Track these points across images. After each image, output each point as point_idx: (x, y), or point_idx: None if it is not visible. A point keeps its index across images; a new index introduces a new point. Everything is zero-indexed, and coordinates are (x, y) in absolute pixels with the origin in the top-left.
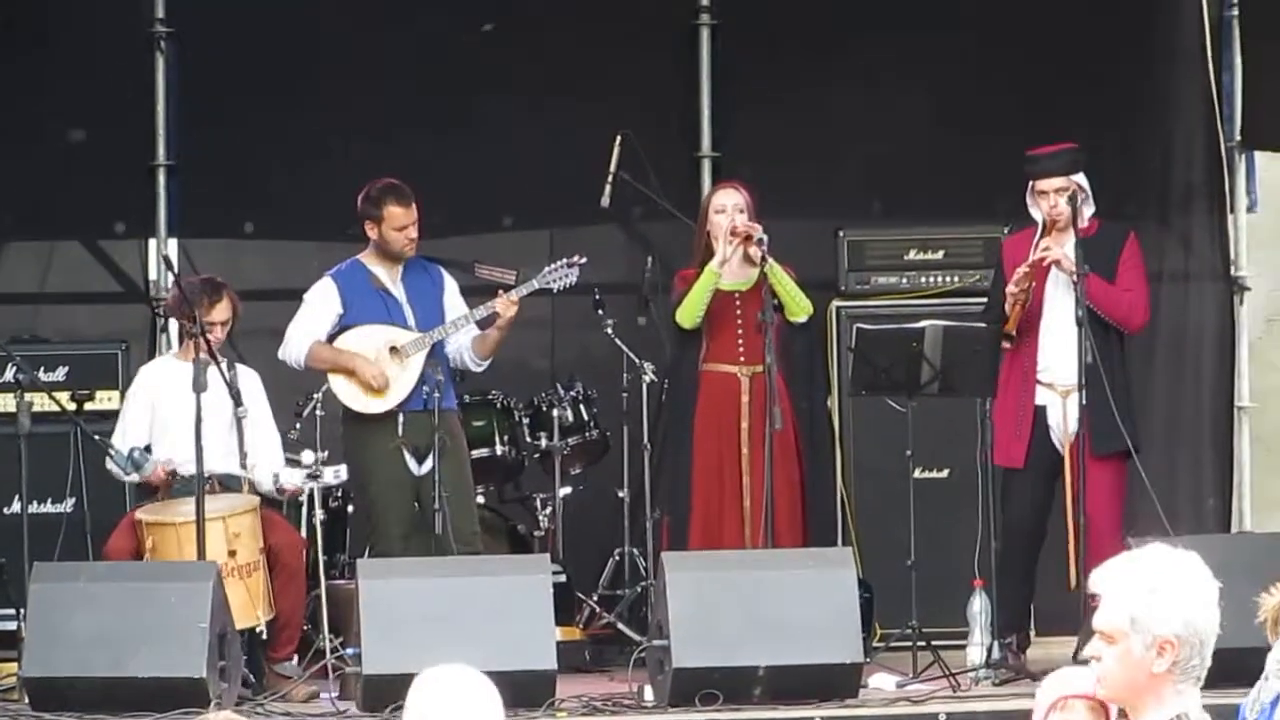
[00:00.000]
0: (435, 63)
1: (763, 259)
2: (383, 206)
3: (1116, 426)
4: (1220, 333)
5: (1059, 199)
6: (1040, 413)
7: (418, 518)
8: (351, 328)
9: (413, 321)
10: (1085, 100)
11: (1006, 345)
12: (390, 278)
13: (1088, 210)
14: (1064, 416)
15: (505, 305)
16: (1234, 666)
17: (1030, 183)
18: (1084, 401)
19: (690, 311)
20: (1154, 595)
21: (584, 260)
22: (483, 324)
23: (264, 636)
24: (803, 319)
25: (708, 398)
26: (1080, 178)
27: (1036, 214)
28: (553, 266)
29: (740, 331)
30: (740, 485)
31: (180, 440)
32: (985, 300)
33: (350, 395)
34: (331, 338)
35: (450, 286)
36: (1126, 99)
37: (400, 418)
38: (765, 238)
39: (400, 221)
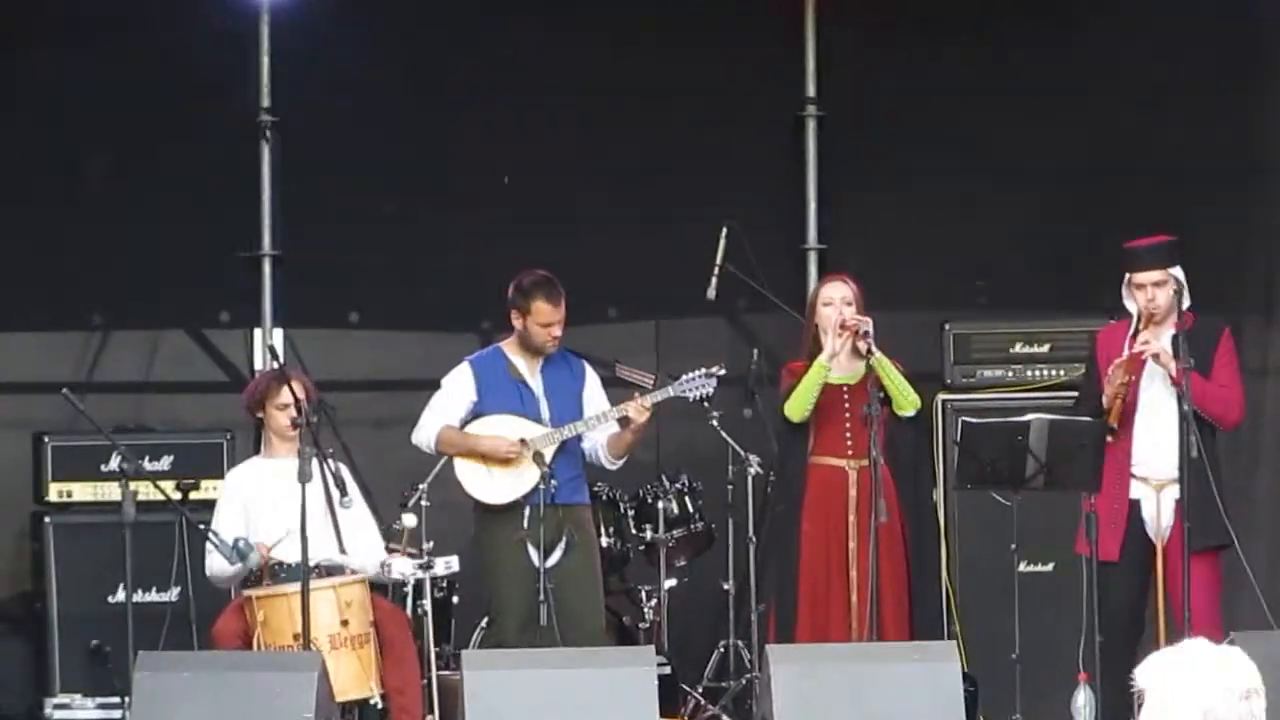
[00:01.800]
0: (541, 153)
1: (869, 351)
2: (532, 300)
3: (1215, 520)
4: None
5: (1157, 292)
6: (1135, 506)
7: (537, 612)
8: (483, 416)
9: (546, 415)
10: (1192, 192)
11: (1109, 439)
12: (529, 369)
13: (1184, 304)
14: (1158, 511)
15: (638, 411)
16: None
17: (1127, 275)
18: (1183, 495)
19: (800, 405)
20: (1175, 688)
21: (723, 371)
22: (620, 422)
23: (378, 708)
24: (910, 412)
25: (815, 490)
26: (1177, 271)
27: (1132, 306)
28: (691, 375)
29: (848, 424)
30: (847, 579)
31: (275, 536)
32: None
33: (475, 483)
34: (463, 424)
35: (591, 381)
36: (1233, 189)
37: (525, 510)
38: (870, 330)
39: (547, 318)
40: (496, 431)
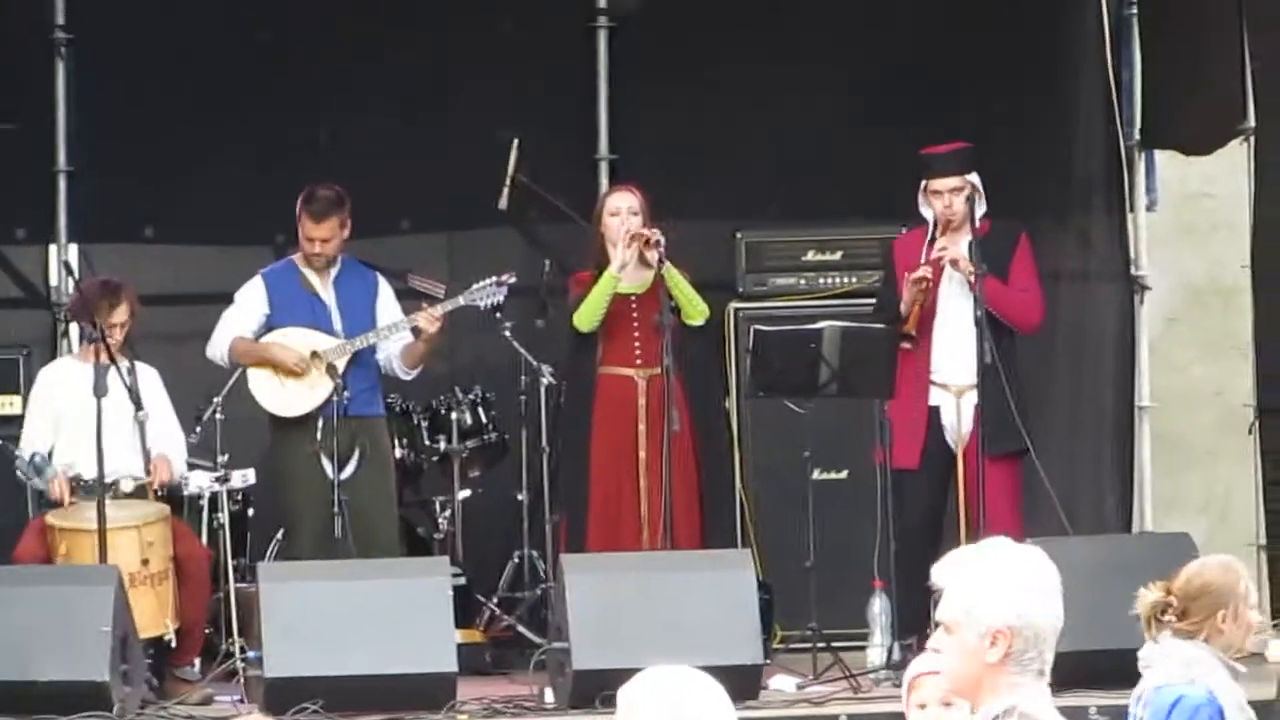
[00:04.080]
0: (335, 63)
1: (660, 261)
2: (300, 213)
3: (1012, 426)
4: (1120, 332)
5: (954, 199)
6: (934, 413)
7: (332, 524)
8: (276, 329)
9: (339, 327)
10: (985, 98)
11: (906, 346)
12: (321, 281)
13: (980, 210)
14: (958, 417)
15: (428, 320)
16: (1130, 666)
17: (924, 182)
18: (979, 401)
19: (589, 315)
20: (987, 586)
21: (514, 279)
22: (413, 333)
23: (172, 644)
24: (699, 322)
25: (604, 401)
26: (974, 177)
27: (928, 213)
28: (481, 284)
29: (637, 334)
30: (638, 488)
31: (82, 443)
32: (876, 300)
33: (268, 396)
34: (257, 337)
35: (385, 293)
36: (1027, 97)
37: (319, 423)
38: (663, 240)
39: (309, 232)
40: (288, 344)
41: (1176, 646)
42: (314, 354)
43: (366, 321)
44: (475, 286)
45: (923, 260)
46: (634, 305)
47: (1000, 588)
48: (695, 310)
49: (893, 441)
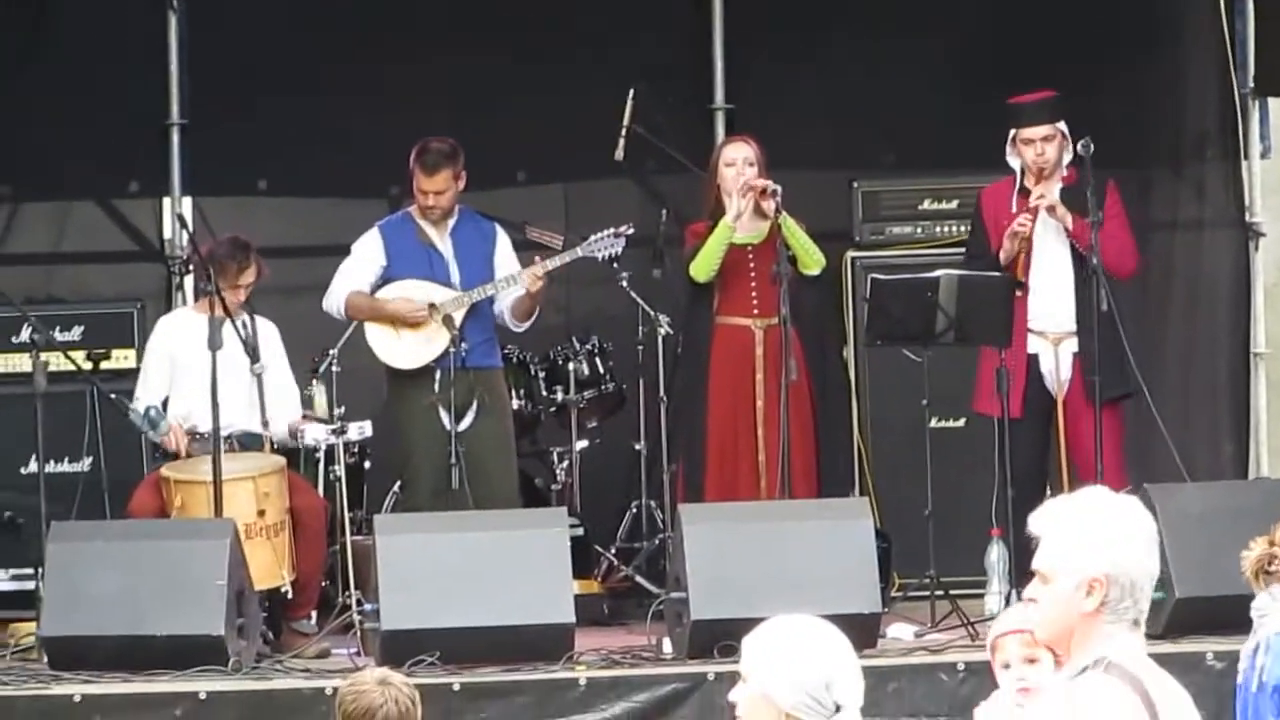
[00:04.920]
0: (449, 13)
1: (776, 211)
2: (413, 167)
3: (1121, 371)
4: (1235, 279)
5: (1046, 146)
6: (1033, 361)
7: (449, 475)
8: (392, 281)
9: (456, 279)
10: (1098, 49)
11: (1019, 293)
12: (438, 233)
13: (1067, 157)
14: (1056, 364)
15: (531, 280)
16: (1246, 613)
17: (1012, 132)
18: (1085, 347)
19: (704, 265)
20: (1082, 535)
21: (631, 230)
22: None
23: (288, 596)
24: (816, 272)
25: (722, 351)
26: (1062, 125)
27: (1015, 163)
28: (599, 235)
29: (754, 285)
30: (755, 438)
31: (198, 396)
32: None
33: (385, 349)
34: (374, 290)
35: (502, 244)
36: (1139, 47)
37: (436, 374)
38: (778, 190)
39: (423, 185)
40: (405, 296)
41: None
42: (431, 306)
43: (484, 273)
44: (593, 238)
45: (1013, 209)
46: (750, 255)
47: (1095, 536)
48: (812, 260)
49: (1003, 390)
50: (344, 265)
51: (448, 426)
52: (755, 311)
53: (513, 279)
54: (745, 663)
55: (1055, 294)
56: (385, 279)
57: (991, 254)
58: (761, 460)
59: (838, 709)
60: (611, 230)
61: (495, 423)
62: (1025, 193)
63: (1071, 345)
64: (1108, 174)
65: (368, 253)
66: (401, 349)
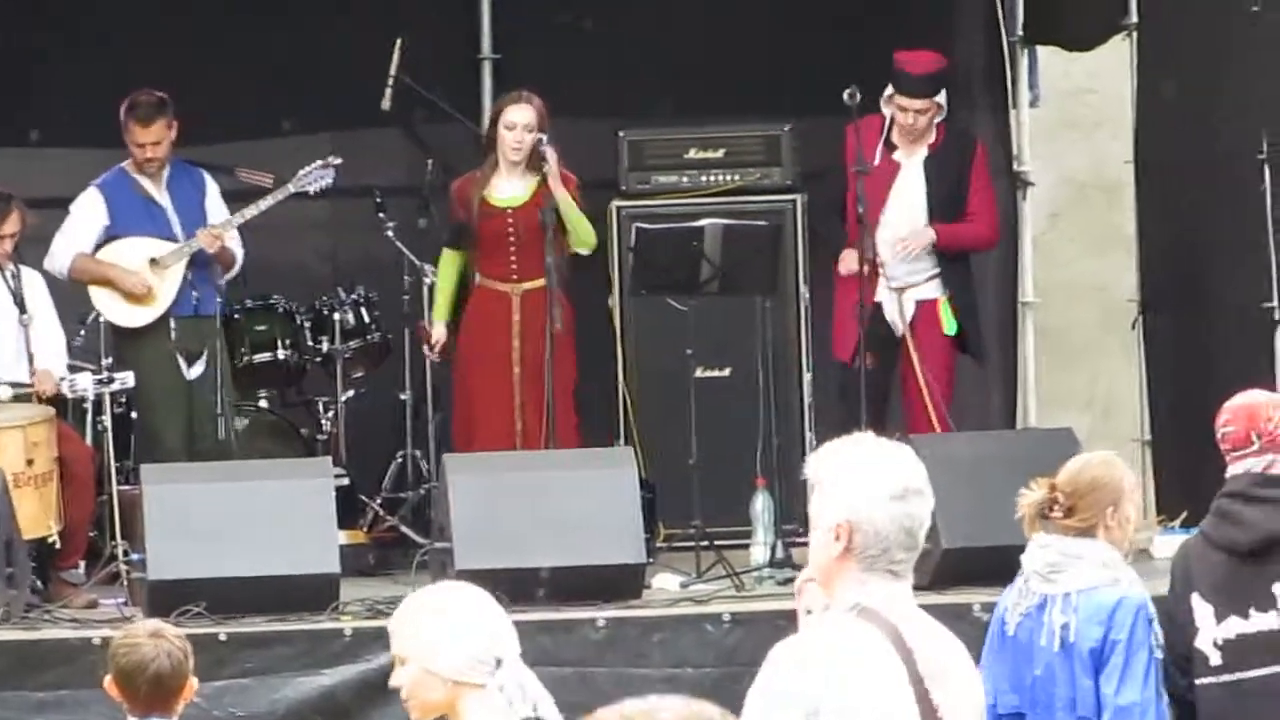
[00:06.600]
0: None
1: (544, 180)
2: (125, 121)
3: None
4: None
5: (920, 118)
6: (877, 309)
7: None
8: (116, 239)
9: (178, 229)
10: None
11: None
12: (155, 185)
13: (939, 118)
14: (900, 310)
15: (208, 240)
16: (1013, 563)
17: (891, 88)
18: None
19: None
20: (834, 481)
21: (339, 161)
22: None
23: (56, 546)
24: (585, 252)
25: (477, 314)
26: (941, 98)
27: (887, 110)
28: (307, 170)
29: (513, 249)
30: (512, 404)
31: None
32: (766, 197)
33: (112, 309)
34: (98, 248)
35: (212, 191)
36: None
37: (171, 324)
38: (552, 158)
39: (138, 138)
40: (129, 253)
41: (1086, 547)
42: (152, 261)
43: (199, 220)
44: (301, 172)
45: (875, 160)
46: (510, 218)
47: (845, 483)
48: (583, 240)
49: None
50: (65, 226)
51: (188, 375)
52: (514, 277)
53: (228, 223)
54: (398, 644)
55: (899, 250)
56: (111, 236)
57: (840, 196)
58: (519, 426)
59: (499, 663)
60: (320, 162)
61: (217, 371)
62: (891, 146)
63: (914, 295)
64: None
65: (88, 213)
66: (126, 309)
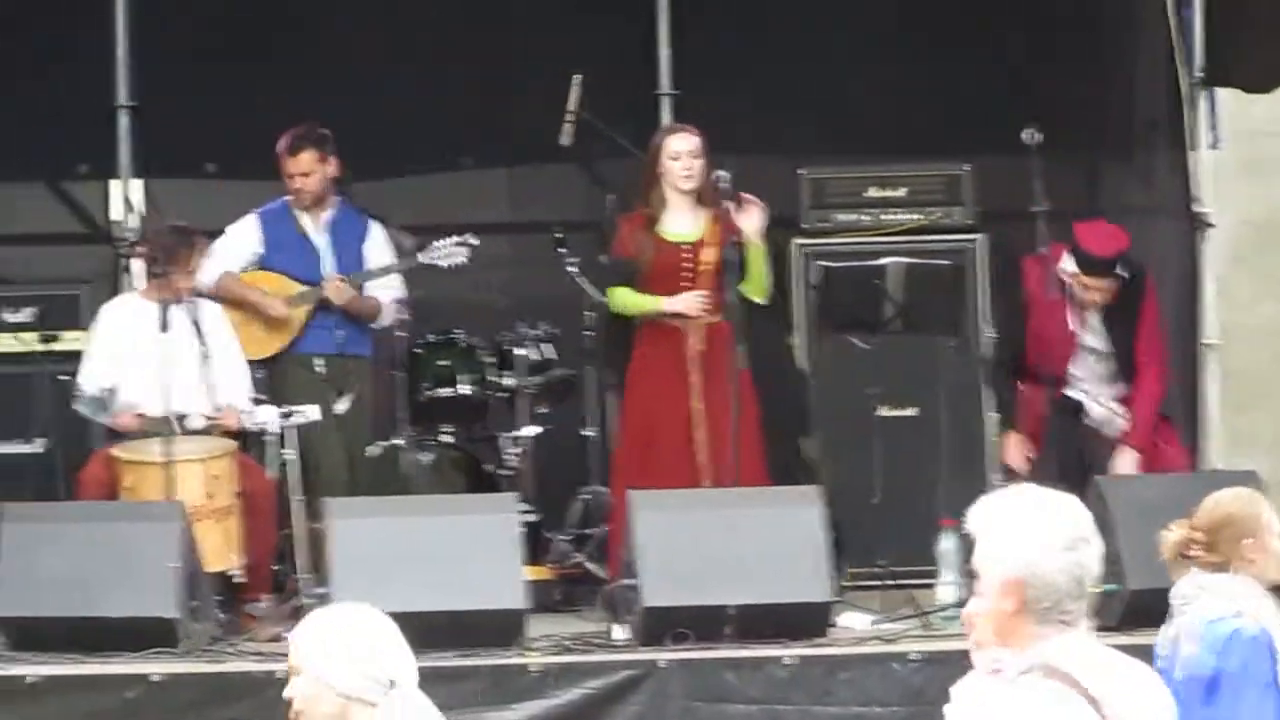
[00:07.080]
0: (396, 2)
1: (716, 218)
2: (279, 154)
3: None
4: (1184, 269)
5: (1099, 295)
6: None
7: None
8: (265, 270)
9: (330, 269)
10: (1046, 35)
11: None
12: (314, 223)
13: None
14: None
15: (334, 291)
16: None
17: (1070, 261)
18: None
19: (619, 308)
20: (1000, 535)
21: (477, 242)
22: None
23: (239, 580)
24: (761, 300)
25: (649, 349)
26: (1123, 271)
27: (1064, 277)
28: (442, 243)
29: (687, 285)
30: (691, 438)
31: (146, 380)
32: (946, 238)
33: (247, 341)
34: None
35: (374, 238)
36: (1088, 35)
37: (317, 361)
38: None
39: (288, 169)
40: (264, 286)
41: (1215, 580)
42: (299, 295)
43: (355, 264)
44: (435, 245)
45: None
46: (685, 254)
47: (1011, 537)
48: (764, 290)
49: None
50: (217, 244)
51: (335, 410)
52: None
53: (384, 270)
54: (295, 655)
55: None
56: (261, 267)
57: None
58: (699, 462)
59: (392, 684)
60: (456, 238)
61: (362, 410)
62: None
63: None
64: (1062, 160)
65: (244, 237)
66: (256, 338)
